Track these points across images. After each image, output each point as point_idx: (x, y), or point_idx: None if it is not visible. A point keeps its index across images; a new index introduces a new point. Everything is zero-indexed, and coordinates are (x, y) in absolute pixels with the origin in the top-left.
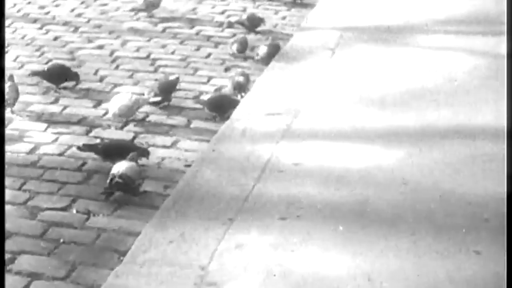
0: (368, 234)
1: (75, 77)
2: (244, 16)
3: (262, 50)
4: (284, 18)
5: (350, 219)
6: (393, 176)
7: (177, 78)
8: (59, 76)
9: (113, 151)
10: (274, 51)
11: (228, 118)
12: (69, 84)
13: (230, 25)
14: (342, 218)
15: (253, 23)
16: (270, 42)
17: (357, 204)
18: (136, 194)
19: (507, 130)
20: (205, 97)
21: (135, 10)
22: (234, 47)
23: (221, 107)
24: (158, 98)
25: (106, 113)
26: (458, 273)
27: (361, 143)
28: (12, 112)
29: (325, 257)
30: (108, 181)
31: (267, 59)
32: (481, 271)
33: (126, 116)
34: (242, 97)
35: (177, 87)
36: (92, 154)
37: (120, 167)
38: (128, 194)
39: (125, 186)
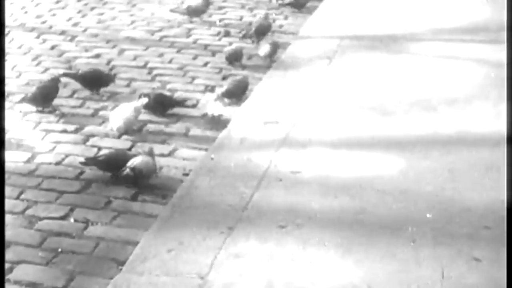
0: (368, 242)
1: (110, 79)
2: (253, 29)
3: (266, 48)
4: (281, 26)
5: (349, 227)
6: (393, 183)
7: (184, 100)
8: (95, 81)
9: (113, 163)
10: (275, 48)
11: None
12: (65, 93)
13: (227, 33)
14: (342, 226)
15: (261, 32)
16: (270, 41)
17: (357, 212)
18: (142, 187)
19: (507, 137)
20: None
21: (183, 14)
22: (227, 56)
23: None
24: (145, 100)
25: (110, 129)
26: (458, 281)
27: (360, 151)
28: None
29: (325, 266)
30: (121, 171)
31: (271, 55)
32: (481, 278)
33: (131, 127)
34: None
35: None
36: None
37: (136, 160)
38: (137, 185)
39: (134, 179)
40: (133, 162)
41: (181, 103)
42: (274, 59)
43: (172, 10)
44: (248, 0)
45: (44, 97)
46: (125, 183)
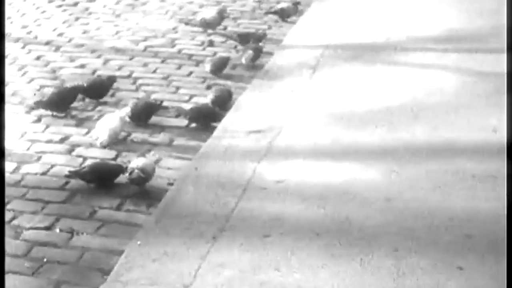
0: (352, 251)
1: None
2: (235, 34)
3: (248, 54)
4: (264, 36)
5: (333, 236)
6: (376, 192)
7: (160, 104)
8: (99, 92)
9: (97, 175)
10: (258, 54)
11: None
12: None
13: (211, 43)
14: (326, 235)
15: (244, 39)
16: (252, 47)
17: (340, 221)
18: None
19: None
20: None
21: (194, 25)
22: (208, 67)
23: (203, 118)
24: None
25: (96, 139)
26: None
27: (343, 160)
28: None
29: (309, 275)
30: (128, 174)
31: (253, 61)
32: (464, 286)
33: (116, 137)
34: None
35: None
36: None
37: (139, 162)
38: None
39: (144, 180)
40: (137, 164)
41: (162, 107)
42: (257, 67)
43: (186, 23)
44: (232, 10)
45: (60, 101)
46: (136, 184)
